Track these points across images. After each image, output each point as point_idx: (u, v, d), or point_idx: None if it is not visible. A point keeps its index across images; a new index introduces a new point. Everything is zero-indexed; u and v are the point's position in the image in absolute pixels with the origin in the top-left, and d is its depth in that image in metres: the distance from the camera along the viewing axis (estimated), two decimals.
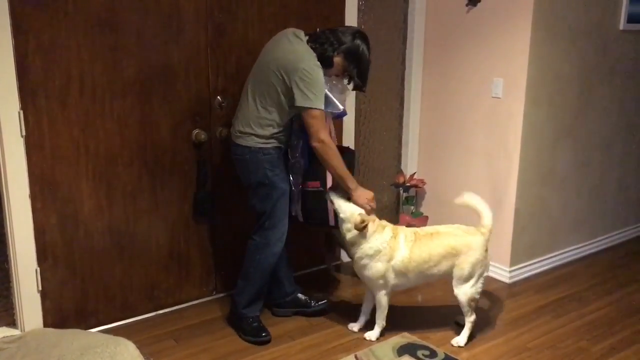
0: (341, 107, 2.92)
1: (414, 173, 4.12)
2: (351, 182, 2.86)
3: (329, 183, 2.94)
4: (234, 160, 2.97)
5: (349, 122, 3.70)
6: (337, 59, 2.83)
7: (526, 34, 3.38)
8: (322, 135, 2.76)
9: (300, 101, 2.72)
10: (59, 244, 2.86)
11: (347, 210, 2.85)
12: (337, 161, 2.81)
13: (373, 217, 2.89)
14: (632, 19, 3.90)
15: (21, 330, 2.83)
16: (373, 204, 2.91)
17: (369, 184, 3.87)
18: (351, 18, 3.61)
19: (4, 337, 2.75)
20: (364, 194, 2.88)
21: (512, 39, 3.46)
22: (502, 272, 3.74)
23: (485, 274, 2.97)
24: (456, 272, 2.89)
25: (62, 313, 2.92)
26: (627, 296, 3.54)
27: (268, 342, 2.95)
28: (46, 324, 2.88)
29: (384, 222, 2.93)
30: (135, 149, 2.98)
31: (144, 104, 2.97)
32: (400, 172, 4.15)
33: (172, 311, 3.24)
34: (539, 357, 2.86)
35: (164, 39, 2.95)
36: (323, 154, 2.79)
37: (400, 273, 2.87)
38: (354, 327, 3.06)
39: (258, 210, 2.94)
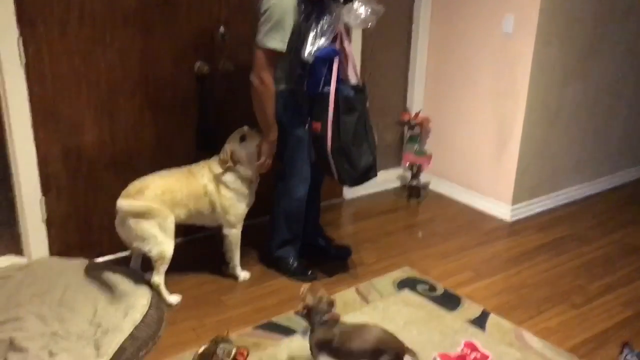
0: (307, 50, 2.55)
1: (420, 111, 4.08)
2: (273, 134, 2.71)
3: (329, 129, 2.66)
4: None
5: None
6: None
7: None
8: (263, 74, 2.55)
9: (256, 36, 2.55)
10: (63, 174, 2.86)
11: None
12: (269, 107, 2.63)
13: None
14: None
15: (28, 259, 2.88)
16: (265, 165, 2.77)
17: (373, 121, 3.82)
18: None
19: (11, 264, 2.81)
20: (271, 150, 2.75)
21: None
22: (503, 210, 3.75)
23: None
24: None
25: (67, 242, 2.96)
26: (626, 236, 3.57)
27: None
28: (52, 253, 2.92)
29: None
30: (136, 81, 2.94)
31: (145, 34, 2.90)
32: (405, 109, 4.10)
33: (175, 243, 3.27)
34: (538, 294, 2.91)
35: None
36: (260, 94, 2.59)
37: None
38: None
39: (279, 156, 2.86)
